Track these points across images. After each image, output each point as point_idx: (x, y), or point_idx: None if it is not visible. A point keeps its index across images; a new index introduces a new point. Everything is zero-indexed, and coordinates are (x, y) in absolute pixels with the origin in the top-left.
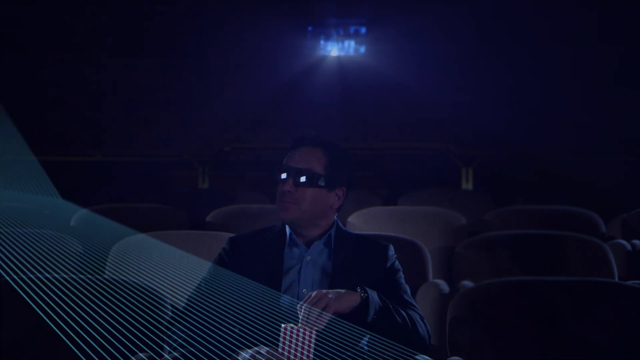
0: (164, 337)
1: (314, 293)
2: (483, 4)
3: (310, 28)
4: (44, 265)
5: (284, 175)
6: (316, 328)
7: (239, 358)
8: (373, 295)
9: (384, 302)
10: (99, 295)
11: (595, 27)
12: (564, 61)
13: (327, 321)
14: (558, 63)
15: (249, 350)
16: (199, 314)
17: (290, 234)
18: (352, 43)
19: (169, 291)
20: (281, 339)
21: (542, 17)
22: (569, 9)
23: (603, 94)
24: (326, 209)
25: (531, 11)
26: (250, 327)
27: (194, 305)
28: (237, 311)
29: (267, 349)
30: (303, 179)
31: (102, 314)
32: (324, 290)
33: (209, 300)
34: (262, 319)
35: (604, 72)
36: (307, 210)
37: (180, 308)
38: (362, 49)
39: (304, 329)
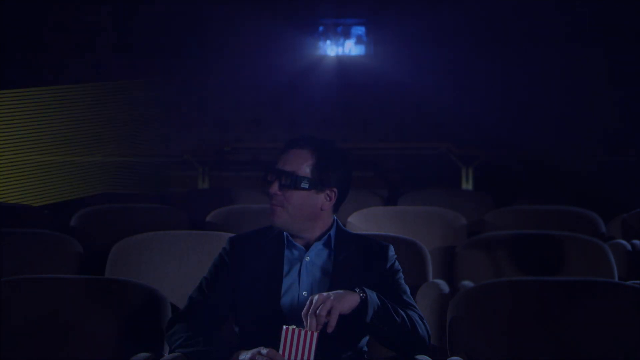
0: (164, 337)
1: (315, 297)
2: (483, 4)
3: (310, 28)
4: (44, 265)
5: (270, 178)
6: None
7: (239, 357)
8: (372, 295)
9: (382, 302)
10: (99, 295)
11: (595, 27)
12: (565, 61)
13: (334, 324)
14: (559, 63)
15: (249, 352)
16: (199, 315)
17: (287, 235)
18: (353, 43)
19: (169, 291)
20: (282, 341)
21: (543, 17)
22: (568, 8)
23: (603, 94)
24: (316, 211)
25: (531, 11)
26: (251, 328)
27: (194, 306)
28: (238, 312)
29: (268, 350)
30: (286, 181)
31: (102, 314)
32: (325, 294)
33: (210, 301)
34: (262, 321)
35: (604, 72)
36: (295, 213)
37: (181, 308)
38: (362, 49)
39: (306, 331)
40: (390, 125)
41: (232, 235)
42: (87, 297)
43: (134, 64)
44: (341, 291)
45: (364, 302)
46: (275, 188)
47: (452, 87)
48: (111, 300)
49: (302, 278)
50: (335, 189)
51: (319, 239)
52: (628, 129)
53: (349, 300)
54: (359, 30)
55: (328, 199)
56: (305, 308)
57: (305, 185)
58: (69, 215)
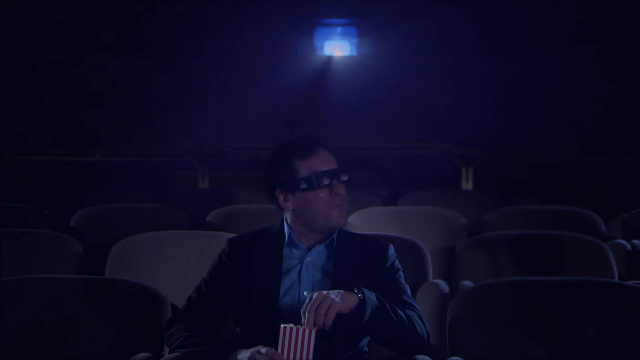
0: (164, 337)
1: (315, 295)
2: (482, 5)
3: (310, 28)
4: (44, 265)
5: (327, 182)
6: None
7: (238, 356)
8: (370, 295)
9: (381, 302)
10: (99, 295)
11: (594, 26)
12: (564, 61)
13: (330, 323)
14: (558, 63)
15: (248, 351)
16: (198, 315)
17: (290, 234)
18: (353, 43)
19: (169, 291)
20: (280, 339)
21: (541, 17)
22: (566, 8)
23: (603, 94)
24: None
25: (530, 11)
26: (251, 328)
27: (193, 307)
28: (238, 312)
29: (267, 349)
30: (346, 177)
31: (102, 314)
32: (324, 292)
33: (208, 302)
34: (262, 320)
35: (604, 72)
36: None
37: (180, 308)
38: (362, 50)
39: (304, 329)
40: (390, 125)
41: (231, 236)
42: (87, 297)
43: (134, 64)
44: (341, 291)
45: (361, 302)
46: (341, 187)
47: (452, 87)
48: (111, 300)
49: (302, 278)
50: None
51: (323, 240)
52: (628, 129)
53: (347, 300)
54: (359, 30)
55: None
56: (304, 304)
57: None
58: (69, 215)
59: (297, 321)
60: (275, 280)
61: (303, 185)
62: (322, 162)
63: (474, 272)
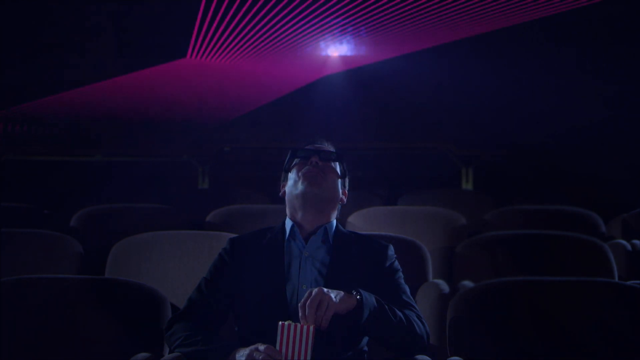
0: (165, 337)
1: (315, 291)
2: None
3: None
4: (44, 265)
5: (304, 154)
6: (314, 326)
7: (237, 355)
8: (369, 298)
9: (379, 303)
10: (99, 295)
11: (593, 26)
12: (563, 60)
13: (327, 324)
14: (557, 62)
15: (247, 349)
16: (199, 315)
17: (292, 226)
18: (352, 43)
19: (169, 291)
20: (279, 337)
21: (541, 17)
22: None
23: (603, 93)
24: (337, 197)
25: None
26: (254, 325)
27: (193, 306)
28: (239, 311)
29: (265, 346)
30: (331, 156)
31: (102, 314)
32: (324, 290)
33: (209, 301)
34: (267, 316)
35: (604, 72)
36: (329, 188)
37: (181, 308)
38: (362, 49)
39: (302, 326)
40: (390, 125)
41: (232, 235)
42: (87, 297)
43: (134, 64)
44: (341, 292)
45: (359, 304)
46: (317, 159)
47: (452, 88)
48: (111, 300)
49: (302, 273)
50: (346, 193)
51: (315, 231)
52: (629, 129)
53: (345, 302)
54: (359, 30)
55: (344, 197)
56: (302, 300)
57: (337, 166)
58: (69, 215)
59: (297, 315)
60: (277, 277)
61: (292, 164)
62: (315, 145)
63: (474, 272)
